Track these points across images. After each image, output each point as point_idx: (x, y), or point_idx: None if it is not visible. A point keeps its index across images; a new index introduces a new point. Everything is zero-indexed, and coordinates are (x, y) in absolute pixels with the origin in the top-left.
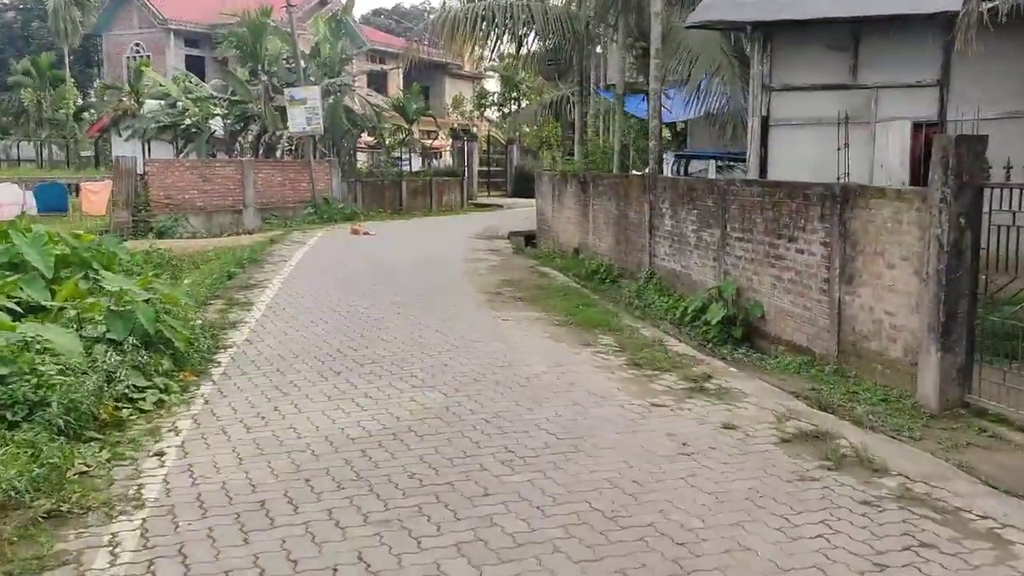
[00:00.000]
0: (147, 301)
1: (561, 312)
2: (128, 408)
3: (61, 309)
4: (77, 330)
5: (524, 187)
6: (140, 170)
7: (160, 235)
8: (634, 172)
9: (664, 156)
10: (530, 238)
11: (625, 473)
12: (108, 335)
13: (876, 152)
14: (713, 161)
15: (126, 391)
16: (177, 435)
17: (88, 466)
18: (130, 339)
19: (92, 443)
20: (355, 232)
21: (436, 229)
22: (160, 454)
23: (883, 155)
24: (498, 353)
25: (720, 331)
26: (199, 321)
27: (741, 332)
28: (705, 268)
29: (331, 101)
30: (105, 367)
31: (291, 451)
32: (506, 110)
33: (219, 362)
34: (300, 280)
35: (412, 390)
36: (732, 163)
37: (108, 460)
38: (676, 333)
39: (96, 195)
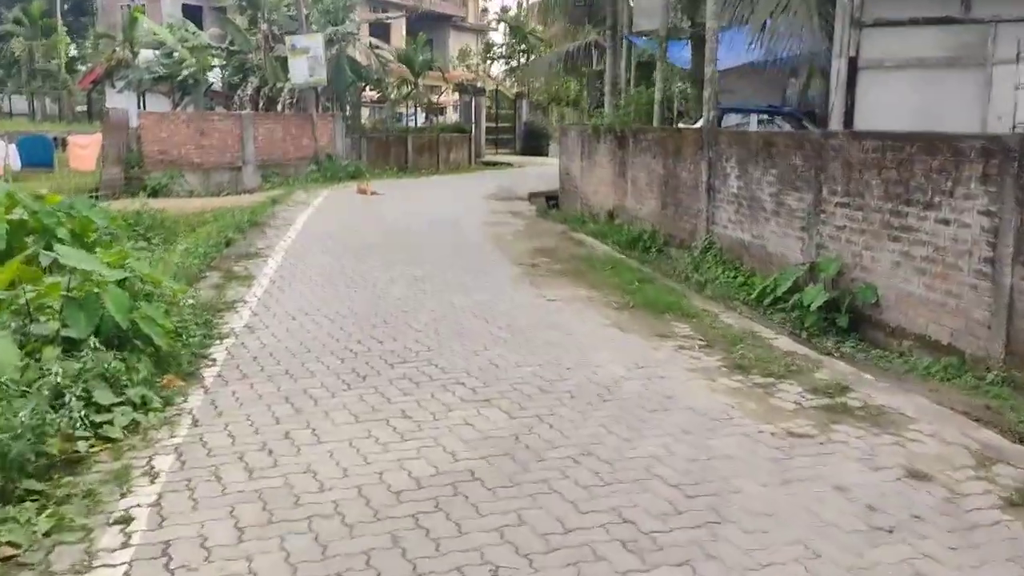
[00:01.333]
0: (121, 283)
1: (614, 290)
2: (89, 437)
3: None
4: (23, 327)
5: (533, 144)
6: (133, 123)
7: (154, 194)
8: (680, 125)
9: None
10: (552, 199)
11: (815, 569)
12: (65, 332)
13: (992, 100)
14: (754, 115)
15: (83, 415)
16: (153, 482)
17: (16, 547)
18: (93, 339)
19: (28, 502)
20: (362, 192)
21: (447, 189)
22: (125, 520)
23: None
24: (558, 347)
25: (819, 318)
26: (190, 301)
27: (847, 320)
28: (787, 239)
29: (335, 51)
30: (56, 382)
31: (312, 516)
32: (514, 63)
33: (213, 359)
34: (307, 248)
35: (463, 405)
36: (771, 117)
37: (48, 533)
38: (762, 319)
39: (84, 150)
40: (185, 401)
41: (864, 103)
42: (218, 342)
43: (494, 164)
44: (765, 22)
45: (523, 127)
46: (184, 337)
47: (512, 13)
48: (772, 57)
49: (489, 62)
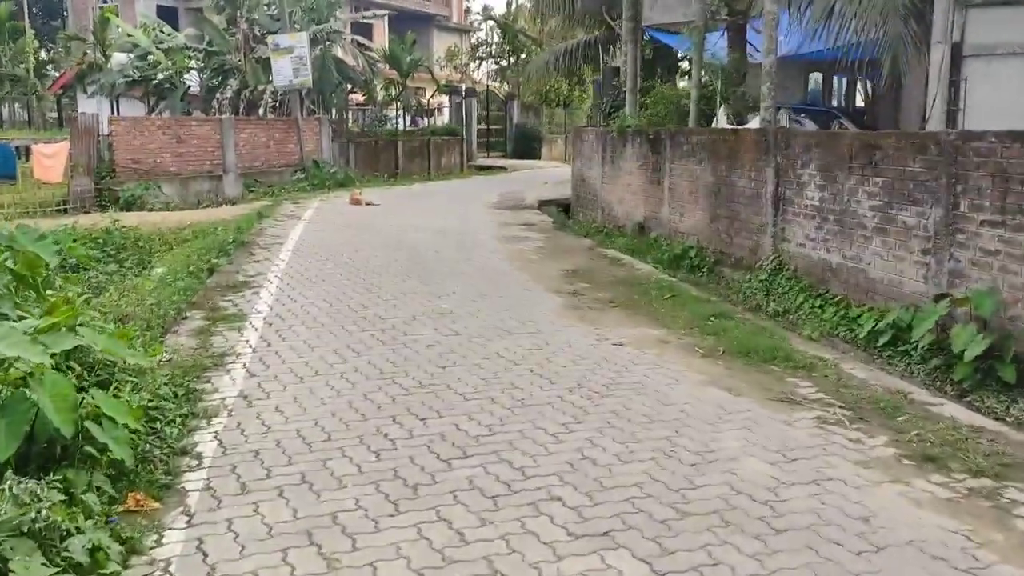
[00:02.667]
0: (67, 357)
1: (687, 327)
2: None
3: None
4: None
5: (525, 147)
6: (104, 130)
7: (127, 206)
8: (725, 126)
9: (720, 109)
10: (564, 208)
11: None
12: None
13: None
14: (786, 113)
15: None
16: None
17: None
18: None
19: None
20: (355, 202)
21: (446, 197)
22: None
23: None
24: (660, 424)
25: (974, 369)
26: (166, 358)
27: (1014, 372)
28: (901, 264)
29: (319, 51)
30: None
31: None
32: (504, 63)
33: (198, 454)
34: (304, 274)
35: (574, 546)
36: (799, 116)
37: None
38: (897, 370)
39: (50, 159)
40: (158, 543)
41: (972, 97)
42: (204, 423)
43: (487, 168)
44: (833, 5)
45: (514, 129)
46: (158, 425)
47: (500, 12)
48: (841, 47)
49: (478, 62)
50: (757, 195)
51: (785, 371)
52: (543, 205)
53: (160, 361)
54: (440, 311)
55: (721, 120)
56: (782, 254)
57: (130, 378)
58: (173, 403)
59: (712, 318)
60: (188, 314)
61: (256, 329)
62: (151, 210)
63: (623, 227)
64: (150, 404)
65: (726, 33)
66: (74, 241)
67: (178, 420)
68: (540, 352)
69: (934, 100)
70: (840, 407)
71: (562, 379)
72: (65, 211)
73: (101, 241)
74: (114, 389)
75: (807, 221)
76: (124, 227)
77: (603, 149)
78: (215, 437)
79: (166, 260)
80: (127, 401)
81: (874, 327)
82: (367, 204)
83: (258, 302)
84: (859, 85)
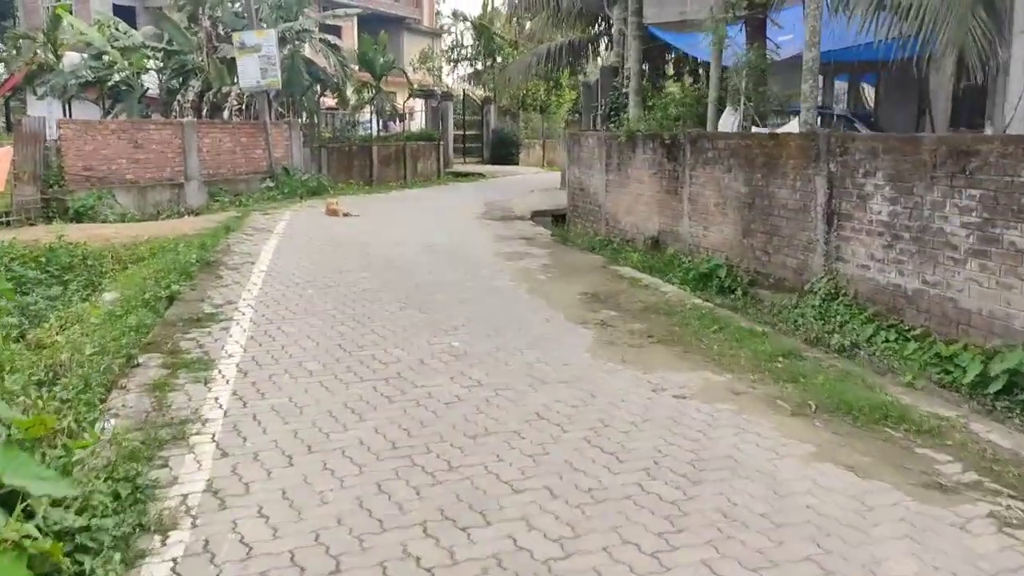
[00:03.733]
0: None
1: (751, 369)
2: None
3: None
4: None
5: (502, 153)
6: (52, 134)
7: (78, 217)
8: (731, 129)
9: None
10: (558, 218)
11: None
12: None
13: None
14: (793, 118)
15: None
16: None
17: None
18: None
19: None
20: (332, 212)
21: (428, 206)
22: None
23: None
24: (785, 529)
25: None
26: (107, 432)
27: None
28: (1010, 293)
29: (288, 50)
30: None
31: None
32: (479, 65)
33: None
34: (281, 302)
35: None
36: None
37: None
38: None
39: None
40: None
41: None
42: (157, 543)
43: (465, 175)
44: None
45: (491, 135)
46: (86, 564)
47: (475, 14)
48: (895, 39)
49: (452, 64)
50: (804, 208)
51: (908, 436)
52: (536, 216)
53: (94, 449)
54: (452, 351)
55: (726, 123)
56: (836, 276)
57: (61, 456)
58: (111, 516)
59: (780, 358)
60: (141, 359)
61: (227, 381)
62: (104, 222)
63: (632, 241)
64: (75, 528)
65: (744, 28)
66: (11, 260)
67: (117, 546)
68: (589, 410)
69: (1020, 98)
70: (1011, 496)
71: (631, 455)
72: (8, 223)
73: (43, 260)
74: (21, 510)
75: (871, 239)
76: (71, 243)
77: (607, 155)
78: (172, 571)
79: (119, 282)
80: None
81: (983, 371)
82: (345, 215)
83: (228, 341)
84: (863, 88)
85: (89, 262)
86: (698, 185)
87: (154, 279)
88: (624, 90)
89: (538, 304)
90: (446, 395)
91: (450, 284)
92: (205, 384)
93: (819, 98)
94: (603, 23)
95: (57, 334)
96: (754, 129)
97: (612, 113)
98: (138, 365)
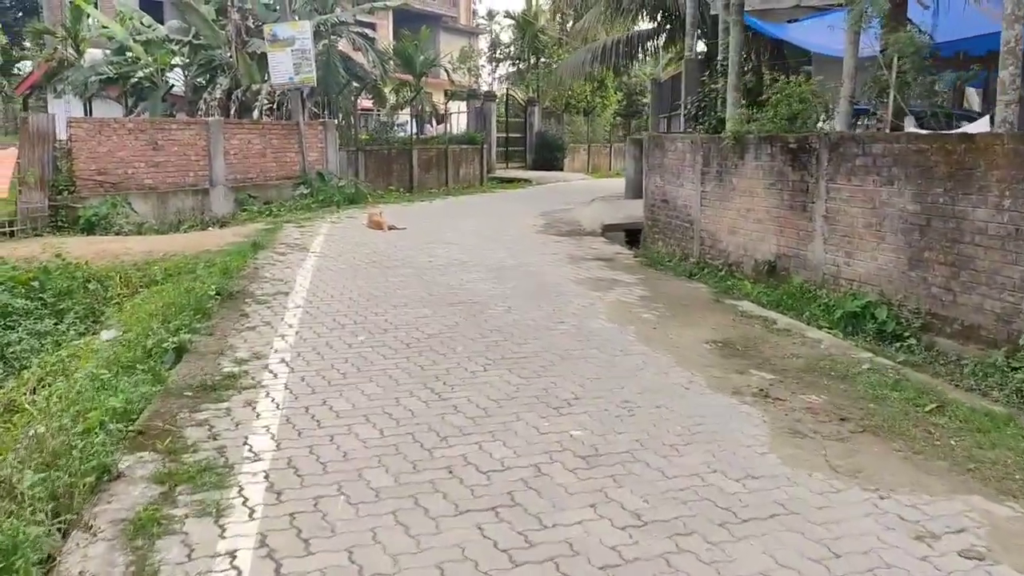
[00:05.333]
0: None
1: None
2: None
3: None
4: None
5: (547, 157)
6: (62, 134)
7: (89, 228)
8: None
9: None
10: (631, 234)
11: None
12: None
13: None
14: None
15: None
16: None
17: None
18: None
19: None
20: (376, 225)
21: (481, 218)
22: None
23: None
24: None
25: None
26: None
27: None
28: None
29: (323, 45)
30: None
31: None
32: (522, 65)
33: None
34: (324, 354)
35: None
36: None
37: None
38: None
39: None
40: None
41: None
42: None
43: (509, 181)
44: None
45: (535, 138)
46: None
47: (518, 10)
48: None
49: (494, 64)
50: (1016, 234)
51: None
52: (608, 230)
53: None
54: (576, 447)
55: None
56: None
57: None
58: None
59: None
60: (125, 464)
61: (251, 512)
62: (119, 233)
63: (737, 265)
64: None
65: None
66: None
67: None
68: None
69: None
70: None
71: None
72: (11, 234)
73: (36, 284)
74: None
75: None
76: (70, 263)
77: (704, 162)
78: None
79: (124, 314)
80: None
81: None
82: (390, 228)
83: (254, 428)
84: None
85: (91, 286)
86: (839, 200)
87: (163, 315)
88: (714, 86)
89: (661, 360)
90: (595, 549)
91: (537, 327)
92: (216, 519)
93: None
94: (668, 15)
95: (34, 391)
96: (909, 128)
97: (699, 112)
98: (119, 476)
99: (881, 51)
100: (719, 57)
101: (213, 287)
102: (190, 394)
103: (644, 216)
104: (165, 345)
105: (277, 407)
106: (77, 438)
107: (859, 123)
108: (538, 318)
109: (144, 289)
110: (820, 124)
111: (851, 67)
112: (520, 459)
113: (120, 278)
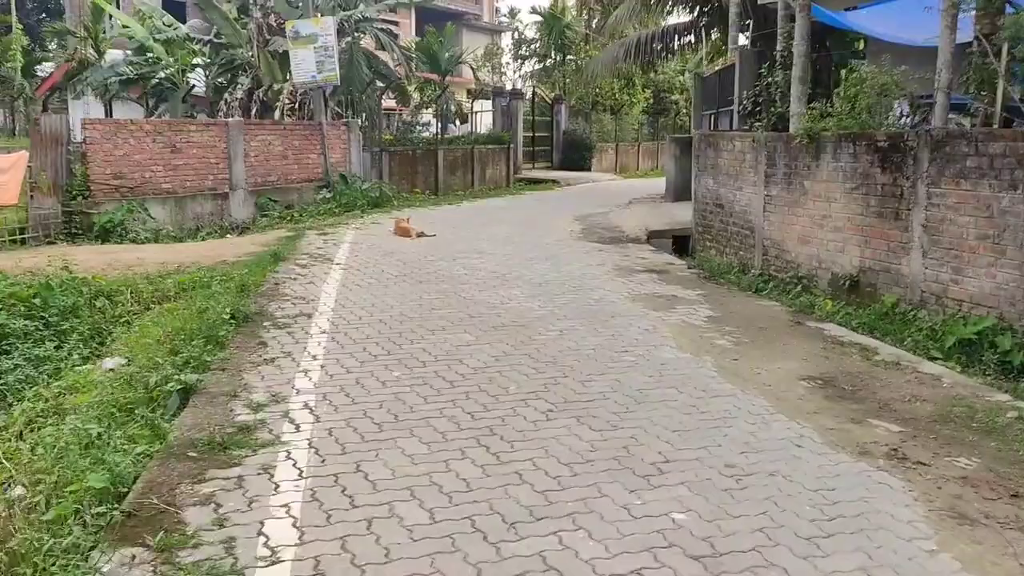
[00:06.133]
0: None
1: None
2: None
3: None
4: None
5: (574, 157)
6: (77, 136)
7: (105, 235)
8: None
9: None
10: (678, 239)
11: None
12: None
13: None
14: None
15: None
16: None
17: None
18: None
19: None
20: (403, 232)
21: (514, 224)
22: None
23: None
24: None
25: None
26: None
27: None
28: None
29: (347, 43)
30: None
31: None
32: (548, 62)
33: None
34: (356, 396)
35: None
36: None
37: None
38: None
39: (3, 175)
40: None
41: None
42: None
43: (536, 182)
44: None
45: (562, 136)
46: None
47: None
48: None
49: (519, 61)
50: None
51: None
52: (653, 237)
53: None
54: (681, 541)
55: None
56: None
57: None
58: None
59: None
60: (106, 567)
61: None
62: (135, 240)
63: (810, 278)
64: None
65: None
66: None
67: None
68: None
69: None
70: None
71: None
72: (22, 241)
73: (38, 301)
74: None
75: None
76: (76, 276)
77: (768, 162)
78: None
79: (129, 339)
80: None
81: None
82: (419, 236)
83: (271, 508)
84: None
85: (98, 303)
86: (943, 207)
87: (170, 343)
88: (770, 79)
89: (755, 404)
90: None
91: (598, 357)
92: None
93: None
94: (707, 5)
95: (21, 435)
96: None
97: (756, 108)
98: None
99: (979, 37)
100: (778, 47)
101: (228, 309)
102: (195, 454)
103: (693, 222)
104: (170, 386)
105: (300, 474)
106: (46, 531)
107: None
108: (597, 346)
109: (156, 305)
110: (902, 119)
111: (948, 55)
112: (616, 560)
113: (131, 293)
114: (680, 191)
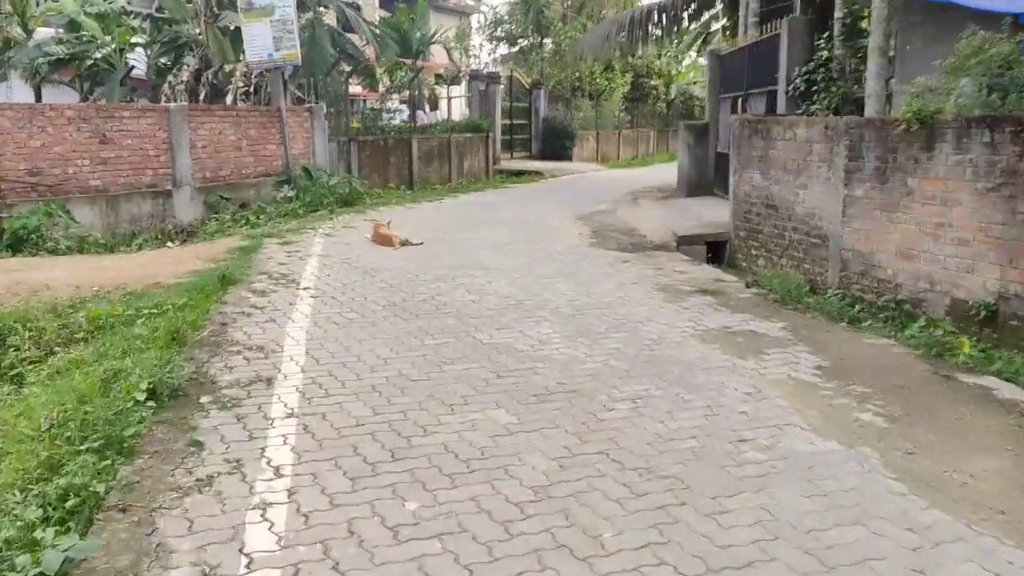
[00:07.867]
0: None
1: None
2: None
3: None
4: None
5: (555, 146)
6: None
7: (16, 244)
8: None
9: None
10: (712, 245)
11: None
12: None
13: None
14: None
15: None
16: None
17: None
18: None
19: None
20: (384, 240)
21: (510, 225)
22: None
23: None
24: None
25: None
26: None
27: None
28: None
29: (307, 18)
30: None
31: None
32: (524, 44)
33: None
34: (348, 559)
35: None
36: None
37: None
38: None
39: None
40: None
41: None
42: None
43: (518, 174)
44: None
45: (542, 124)
46: None
47: None
48: None
49: (494, 44)
50: None
51: None
52: (684, 242)
53: None
54: None
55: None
56: None
57: None
58: None
59: None
60: None
61: None
62: (53, 251)
63: (915, 302)
64: None
65: None
66: None
67: None
68: None
69: None
70: None
71: None
72: None
73: None
74: None
75: None
76: None
77: (850, 154)
78: None
79: (14, 408)
80: None
81: None
82: (403, 244)
83: None
84: None
85: None
86: None
87: (48, 448)
88: (830, 54)
89: (1003, 556)
90: None
91: (710, 456)
92: None
93: None
94: None
95: None
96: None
97: (809, 88)
98: None
99: None
100: (837, 14)
101: (146, 380)
102: None
103: (732, 225)
104: (75, 497)
105: None
106: None
107: None
108: (696, 429)
109: (61, 349)
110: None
111: None
112: None
113: (28, 332)
114: (694, 184)
